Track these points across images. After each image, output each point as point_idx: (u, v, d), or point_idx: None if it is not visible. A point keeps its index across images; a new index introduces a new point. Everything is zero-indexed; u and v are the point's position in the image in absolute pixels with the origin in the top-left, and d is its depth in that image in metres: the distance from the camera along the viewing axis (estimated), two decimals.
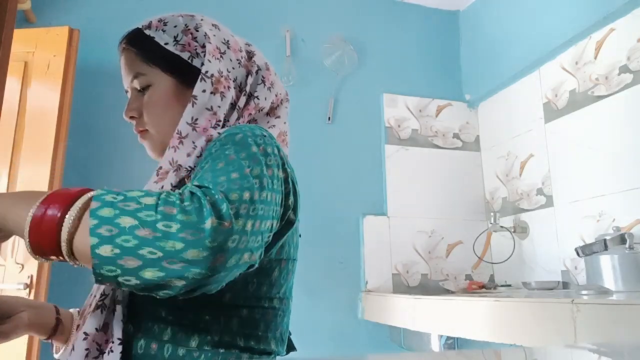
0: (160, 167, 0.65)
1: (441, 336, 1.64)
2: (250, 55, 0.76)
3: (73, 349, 0.58)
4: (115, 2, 2.05)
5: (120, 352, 0.57)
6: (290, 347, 0.72)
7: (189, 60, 0.71)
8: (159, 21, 0.72)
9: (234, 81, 0.71)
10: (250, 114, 0.73)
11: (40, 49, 1.78)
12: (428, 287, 2.11)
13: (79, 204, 0.48)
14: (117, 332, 0.58)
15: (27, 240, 0.48)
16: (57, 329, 0.74)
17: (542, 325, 0.99)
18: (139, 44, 0.72)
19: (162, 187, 0.62)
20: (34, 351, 1.54)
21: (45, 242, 0.48)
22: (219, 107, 0.68)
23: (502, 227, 2.05)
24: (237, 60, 0.73)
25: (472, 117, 2.38)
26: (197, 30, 0.71)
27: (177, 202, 0.48)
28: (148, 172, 0.69)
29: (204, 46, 0.71)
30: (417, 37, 2.42)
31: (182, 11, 0.75)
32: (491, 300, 1.17)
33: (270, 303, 0.65)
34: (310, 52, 2.22)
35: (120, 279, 0.46)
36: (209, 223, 0.46)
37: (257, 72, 0.75)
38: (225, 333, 0.61)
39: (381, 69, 2.32)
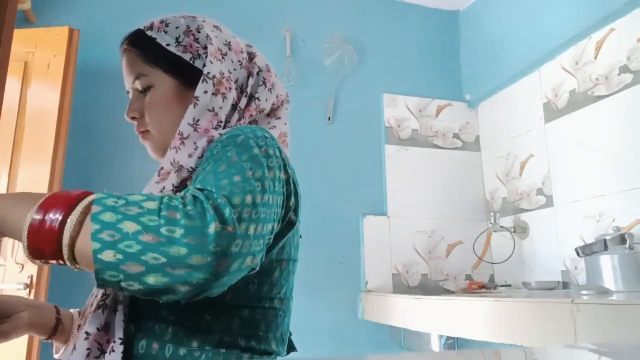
0: (162, 168, 0.65)
1: (441, 336, 1.64)
2: (251, 57, 0.76)
3: (74, 348, 0.58)
4: (115, 2, 2.05)
5: (122, 352, 0.57)
6: (291, 348, 0.73)
7: (191, 62, 0.71)
8: (160, 22, 0.73)
9: (235, 82, 0.72)
10: (251, 115, 0.73)
11: (40, 49, 1.78)
12: (428, 287, 2.11)
13: (80, 208, 0.48)
14: (119, 332, 0.58)
15: (25, 243, 0.48)
16: (57, 329, 0.74)
17: (542, 325, 1.00)
18: (141, 45, 0.72)
19: (164, 187, 0.62)
20: (34, 351, 1.54)
21: (45, 246, 0.47)
22: (221, 108, 0.68)
23: (502, 227, 2.05)
24: (239, 61, 0.73)
25: (472, 117, 2.38)
26: (199, 32, 0.72)
27: (180, 206, 0.47)
28: (148, 172, 0.69)
29: (205, 47, 0.71)
30: (417, 37, 2.42)
31: (182, 11, 0.75)
32: (491, 300, 1.17)
33: (271, 303, 0.65)
34: (310, 52, 2.22)
35: (122, 284, 0.46)
36: (212, 228, 0.46)
37: (258, 74, 0.75)
38: (227, 333, 0.61)
39: (381, 69, 2.32)
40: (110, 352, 0.57)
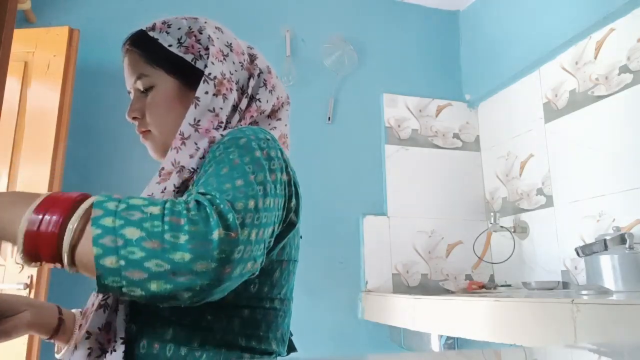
0: (163, 168, 0.65)
1: (441, 336, 1.64)
2: (252, 59, 0.76)
3: (76, 348, 0.58)
4: (115, 2, 2.05)
5: (123, 352, 0.57)
6: (291, 348, 0.73)
7: (192, 62, 0.71)
8: (162, 23, 0.73)
9: (236, 83, 0.72)
10: (251, 116, 0.74)
11: (40, 49, 1.78)
12: (428, 287, 2.11)
13: (80, 211, 0.47)
14: (120, 331, 0.58)
15: (21, 246, 0.46)
16: (60, 329, 0.74)
17: (542, 325, 1.00)
18: (143, 46, 0.72)
19: (165, 187, 0.62)
20: (34, 351, 1.54)
21: (44, 250, 0.46)
22: (221, 108, 0.69)
23: (502, 227, 2.05)
24: (240, 63, 0.73)
25: (472, 117, 2.38)
26: (201, 33, 0.72)
27: (184, 212, 0.47)
28: (148, 172, 0.69)
29: (207, 48, 0.71)
30: (417, 37, 2.42)
31: (182, 11, 0.75)
32: (491, 300, 1.18)
33: (272, 304, 0.65)
34: (310, 52, 2.22)
35: (124, 290, 0.46)
36: (216, 234, 0.46)
37: (259, 75, 0.75)
38: (227, 333, 0.61)
39: (381, 69, 2.32)
40: (111, 352, 0.57)
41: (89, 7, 2.02)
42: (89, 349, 0.58)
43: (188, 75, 0.71)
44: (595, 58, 1.72)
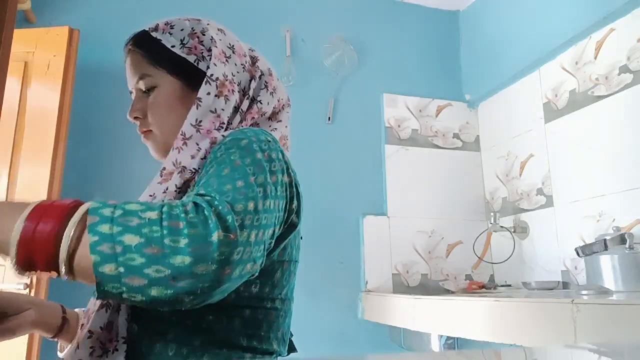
0: (164, 168, 0.66)
1: (441, 336, 1.64)
2: (254, 61, 0.77)
3: (78, 347, 0.59)
4: (115, 2, 2.05)
5: (125, 351, 0.57)
6: (291, 348, 0.73)
7: (195, 63, 0.72)
8: (165, 24, 0.73)
9: (238, 85, 0.72)
10: (253, 118, 0.74)
11: (40, 49, 1.78)
12: (428, 287, 2.11)
13: (76, 218, 0.46)
14: (122, 331, 0.58)
15: (14, 255, 0.45)
16: (63, 328, 0.74)
17: (542, 325, 1.00)
18: (146, 46, 0.73)
19: (167, 188, 0.63)
20: (34, 351, 1.54)
21: (39, 258, 0.45)
22: (223, 110, 0.69)
23: (502, 227, 2.06)
24: (242, 64, 0.74)
25: (472, 117, 2.38)
26: (204, 34, 0.72)
27: (182, 215, 0.47)
28: (148, 172, 0.69)
29: (209, 50, 0.71)
30: (417, 37, 2.42)
31: (182, 12, 0.76)
32: (491, 300, 1.18)
33: (273, 304, 0.66)
34: (310, 52, 2.22)
35: (125, 296, 0.45)
36: (215, 236, 0.46)
37: (260, 77, 0.76)
38: (228, 333, 0.61)
39: (381, 69, 2.32)
40: (113, 351, 0.58)
41: (89, 7, 2.02)
42: (90, 348, 0.58)
43: (190, 76, 0.71)
44: (595, 58, 1.72)
